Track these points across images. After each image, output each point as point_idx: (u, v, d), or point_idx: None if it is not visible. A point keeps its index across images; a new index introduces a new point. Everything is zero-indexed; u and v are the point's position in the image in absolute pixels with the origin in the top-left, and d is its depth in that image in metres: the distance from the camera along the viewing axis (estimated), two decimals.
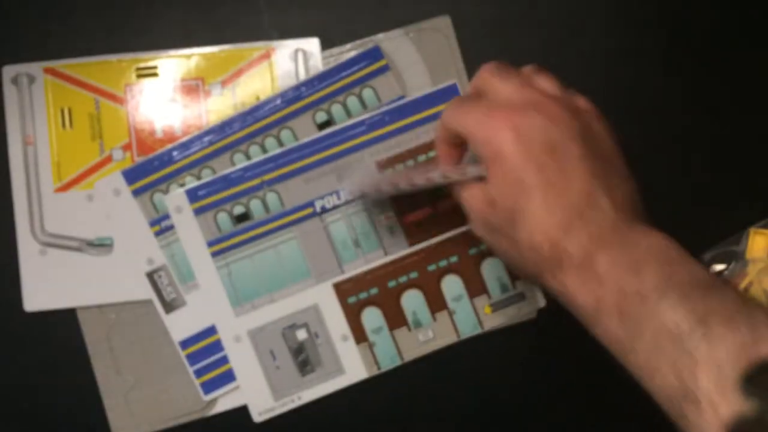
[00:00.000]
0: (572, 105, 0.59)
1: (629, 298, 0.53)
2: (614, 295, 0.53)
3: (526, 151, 0.56)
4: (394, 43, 0.74)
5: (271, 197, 0.71)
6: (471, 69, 0.74)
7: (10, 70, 0.73)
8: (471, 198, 0.61)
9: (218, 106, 0.73)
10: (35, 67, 0.73)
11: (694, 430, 0.49)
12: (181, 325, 0.72)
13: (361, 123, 0.72)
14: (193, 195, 0.71)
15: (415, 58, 0.74)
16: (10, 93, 0.73)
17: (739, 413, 0.47)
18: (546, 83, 0.61)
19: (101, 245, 0.72)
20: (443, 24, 0.74)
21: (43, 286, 0.73)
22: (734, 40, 0.76)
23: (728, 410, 0.47)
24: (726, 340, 0.49)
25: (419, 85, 0.74)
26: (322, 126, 0.72)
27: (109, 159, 0.73)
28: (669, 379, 0.51)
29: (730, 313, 0.50)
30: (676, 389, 0.50)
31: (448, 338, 0.74)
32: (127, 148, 0.73)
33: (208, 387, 0.72)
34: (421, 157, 0.72)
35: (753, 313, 0.50)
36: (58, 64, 0.73)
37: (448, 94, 0.73)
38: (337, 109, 0.72)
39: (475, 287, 0.74)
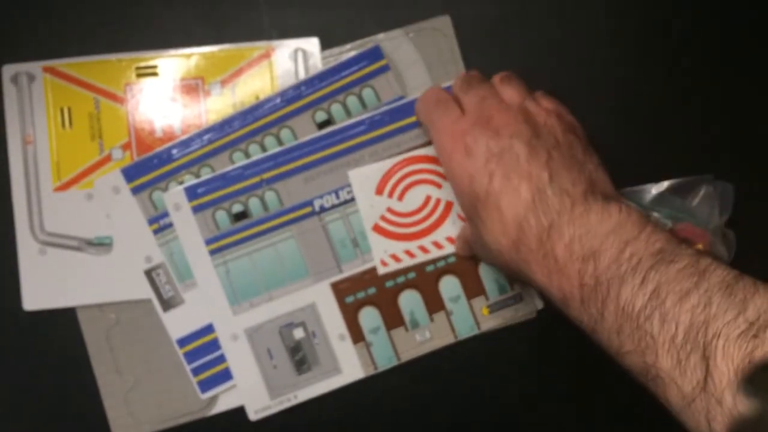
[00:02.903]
0: (526, 110, 0.64)
1: (587, 285, 0.55)
2: (575, 282, 0.56)
3: (474, 166, 0.62)
4: (394, 43, 0.74)
5: (269, 196, 0.72)
6: (471, 69, 0.74)
7: (9, 69, 0.74)
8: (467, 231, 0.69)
9: (218, 105, 0.74)
10: (35, 67, 0.74)
11: (666, 405, 0.52)
12: (178, 323, 0.73)
13: (361, 122, 0.72)
14: (191, 193, 0.72)
15: (415, 58, 0.74)
16: (9, 92, 0.74)
17: (698, 388, 0.48)
18: (509, 91, 0.66)
19: (100, 244, 0.73)
20: (443, 24, 0.75)
21: (43, 286, 0.73)
22: (739, 41, 0.76)
23: (689, 386, 0.49)
24: (678, 314, 0.50)
25: (419, 85, 0.74)
26: (321, 125, 0.73)
27: (108, 158, 0.73)
28: (635, 359, 0.53)
29: (682, 284, 0.51)
30: (642, 368, 0.52)
31: (445, 339, 0.74)
32: (126, 147, 0.73)
33: (205, 385, 0.73)
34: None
35: (705, 278, 0.51)
36: (57, 63, 0.74)
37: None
38: (336, 109, 0.73)
39: (473, 288, 0.74)
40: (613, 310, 0.53)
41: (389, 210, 0.71)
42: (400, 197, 0.71)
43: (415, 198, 0.72)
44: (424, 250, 0.73)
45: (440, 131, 0.66)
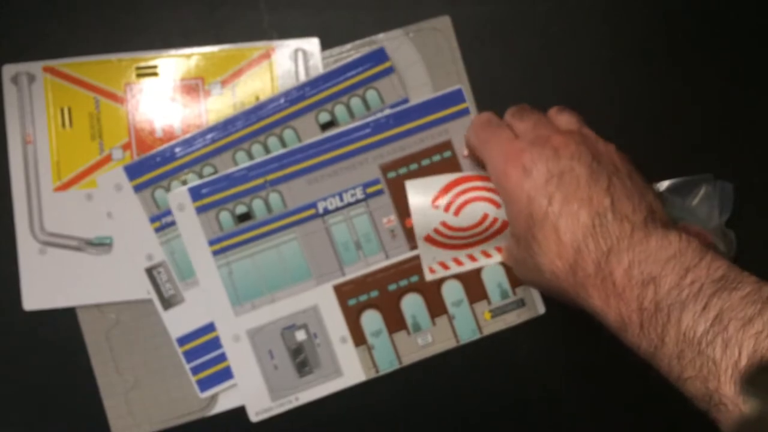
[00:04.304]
0: (582, 135, 0.63)
1: (647, 310, 0.54)
2: (634, 308, 0.55)
3: (533, 187, 0.61)
4: (394, 43, 0.75)
5: (273, 197, 0.72)
6: (471, 69, 0.75)
7: (10, 69, 0.74)
8: (506, 251, 0.70)
9: (218, 105, 0.74)
10: (35, 66, 0.74)
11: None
12: (178, 322, 0.74)
13: (366, 125, 0.73)
14: (195, 193, 0.72)
15: (415, 58, 0.75)
16: (9, 92, 0.74)
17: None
18: (564, 118, 0.66)
19: (101, 244, 0.73)
20: (443, 24, 0.75)
21: (43, 286, 0.74)
22: (738, 40, 0.76)
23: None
24: (742, 340, 0.49)
25: (419, 85, 0.74)
26: (324, 126, 0.73)
27: (108, 158, 0.74)
28: (696, 385, 0.52)
29: (745, 311, 0.50)
30: (704, 394, 0.51)
31: (447, 343, 0.75)
32: (126, 147, 0.74)
33: (204, 384, 0.73)
34: (425, 161, 0.73)
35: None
36: (58, 63, 0.74)
37: (453, 99, 0.74)
38: (340, 110, 0.73)
39: (476, 293, 0.75)
40: (674, 336, 0.52)
41: (443, 224, 0.71)
42: (457, 212, 0.71)
43: (472, 214, 0.71)
44: (472, 258, 0.74)
45: (494, 150, 0.65)
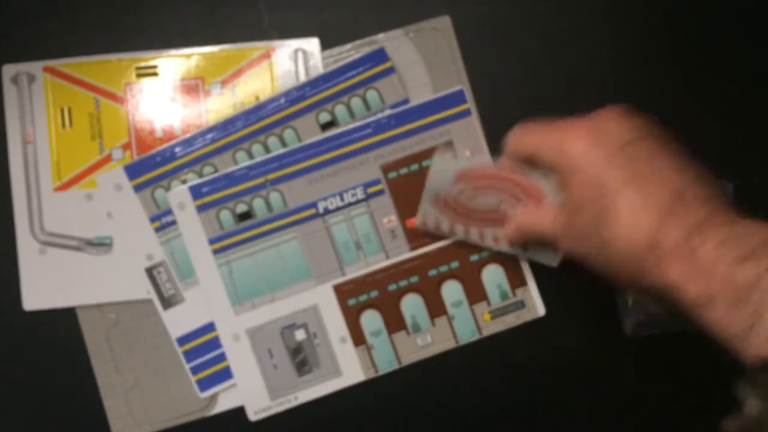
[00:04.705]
0: (648, 124, 0.61)
1: (743, 287, 0.52)
2: (726, 284, 0.53)
3: (604, 154, 0.59)
4: (394, 43, 0.75)
5: (274, 197, 0.72)
6: (471, 69, 0.75)
7: (10, 69, 0.74)
8: (549, 221, 0.65)
9: (218, 105, 0.74)
10: (35, 66, 0.74)
11: None
12: (178, 322, 0.74)
13: (367, 126, 0.73)
14: (196, 192, 0.72)
15: (415, 58, 0.75)
16: (9, 92, 0.74)
17: None
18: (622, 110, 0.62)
19: (101, 244, 0.73)
20: (443, 24, 0.75)
21: (43, 286, 0.74)
22: (738, 40, 0.76)
23: None
24: None
25: (419, 86, 0.75)
26: (325, 126, 0.73)
27: (108, 158, 0.74)
28: None
29: None
30: None
31: (446, 344, 0.75)
32: (126, 147, 0.74)
33: (204, 384, 0.74)
34: (426, 162, 0.73)
35: None
36: (58, 63, 0.74)
37: (454, 99, 0.74)
38: (340, 110, 0.73)
39: (475, 294, 0.75)
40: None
41: (455, 200, 0.71)
42: (472, 195, 0.70)
43: (486, 201, 0.70)
44: (474, 232, 0.72)
45: (566, 126, 0.62)
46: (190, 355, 0.73)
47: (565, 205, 0.62)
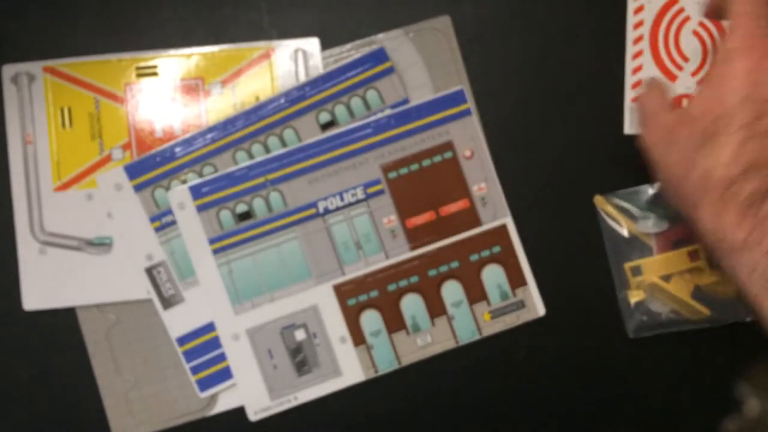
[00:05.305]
0: None
1: None
2: None
3: (751, 83, 0.58)
4: (394, 43, 0.75)
5: (274, 197, 0.72)
6: (471, 69, 0.75)
7: (10, 69, 0.74)
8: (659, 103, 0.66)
9: (218, 105, 0.74)
10: (35, 66, 0.74)
11: None
12: (178, 322, 0.74)
13: (367, 125, 0.73)
14: (196, 191, 0.72)
15: (415, 58, 0.75)
16: (9, 92, 0.74)
17: None
18: None
19: (101, 244, 0.73)
20: (443, 24, 0.75)
21: (43, 286, 0.74)
22: None
23: None
24: None
25: (419, 86, 0.75)
26: (325, 126, 0.73)
27: (108, 158, 0.74)
28: None
29: None
30: None
31: (446, 344, 0.75)
32: (126, 147, 0.74)
33: (204, 384, 0.74)
34: (426, 162, 0.73)
35: None
36: (58, 63, 0.74)
37: (454, 99, 0.74)
38: (340, 110, 0.73)
39: (475, 293, 0.75)
40: None
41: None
42: None
43: None
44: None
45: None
46: (190, 355, 0.73)
47: (697, 97, 0.62)
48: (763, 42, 0.59)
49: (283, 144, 0.73)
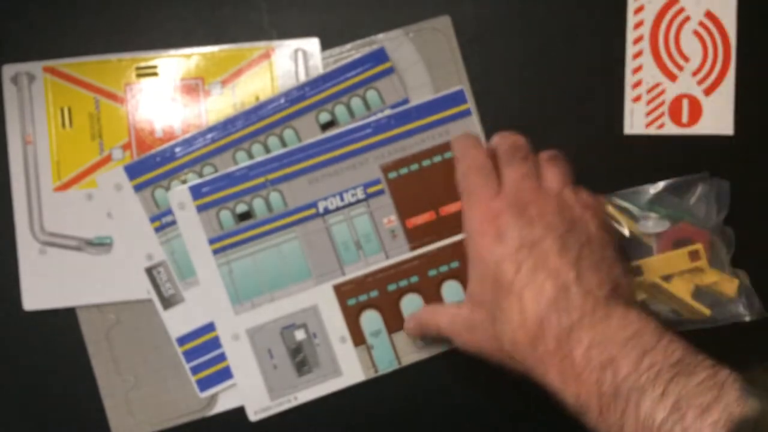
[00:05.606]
0: (564, 200, 0.65)
1: (606, 394, 0.55)
2: (593, 392, 0.56)
3: (503, 253, 0.62)
4: (394, 43, 0.75)
5: (274, 197, 0.72)
6: (471, 69, 0.75)
7: (10, 69, 0.74)
8: (447, 320, 0.68)
9: (218, 105, 0.75)
10: (35, 66, 0.74)
11: None
12: (178, 322, 0.74)
13: (367, 126, 0.73)
14: (196, 192, 0.72)
15: (415, 58, 0.75)
16: (9, 92, 0.74)
17: None
18: (552, 174, 0.67)
19: (101, 244, 0.73)
20: (443, 24, 0.75)
21: (43, 286, 0.74)
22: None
23: None
24: (700, 430, 0.50)
25: (419, 86, 0.75)
26: (325, 126, 0.73)
27: (108, 158, 0.74)
28: None
29: (702, 398, 0.51)
30: None
31: (446, 343, 0.74)
32: (126, 147, 0.74)
33: (204, 384, 0.74)
34: (426, 162, 0.73)
35: (724, 391, 0.51)
36: (58, 63, 0.74)
37: (454, 99, 0.75)
38: (340, 110, 0.73)
39: None
40: (633, 423, 0.53)
41: None
42: None
43: None
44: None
45: (475, 206, 0.66)
46: (190, 355, 0.74)
47: (466, 302, 0.67)
48: None
49: (283, 144, 0.73)
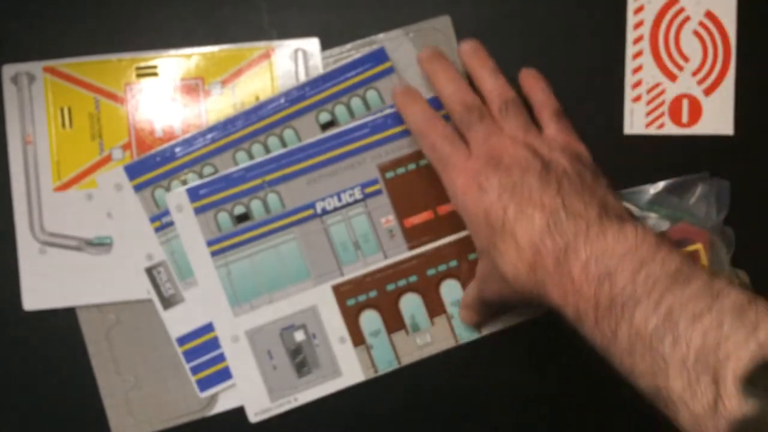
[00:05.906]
0: (532, 145, 0.66)
1: (602, 305, 0.56)
2: (590, 303, 0.56)
3: (489, 201, 0.63)
4: (394, 43, 0.75)
5: (271, 198, 0.72)
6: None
7: (10, 69, 0.74)
8: (473, 280, 0.72)
9: (218, 105, 0.75)
10: (35, 66, 0.74)
11: (678, 428, 0.52)
12: (178, 322, 0.74)
13: (364, 125, 0.73)
14: (194, 194, 0.72)
15: (415, 58, 0.74)
16: (9, 92, 0.74)
17: (709, 410, 0.49)
18: (511, 125, 0.68)
19: (101, 244, 0.73)
20: (443, 24, 0.75)
21: (43, 286, 0.74)
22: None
23: (700, 408, 0.49)
24: (690, 336, 0.51)
25: (419, 86, 0.75)
26: (325, 126, 0.73)
27: (108, 158, 0.74)
28: (647, 381, 0.53)
29: (695, 306, 0.52)
30: (654, 390, 0.53)
31: (446, 343, 0.75)
32: (126, 147, 0.74)
33: (204, 384, 0.74)
34: (423, 162, 0.73)
35: (718, 300, 0.52)
36: (58, 63, 0.74)
37: None
38: (340, 110, 0.73)
39: None
40: (626, 331, 0.54)
41: None
42: None
43: None
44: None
45: (452, 171, 0.67)
46: (190, 355, 0.74)
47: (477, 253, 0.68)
48: None
49: (283, 144, 0.73)
